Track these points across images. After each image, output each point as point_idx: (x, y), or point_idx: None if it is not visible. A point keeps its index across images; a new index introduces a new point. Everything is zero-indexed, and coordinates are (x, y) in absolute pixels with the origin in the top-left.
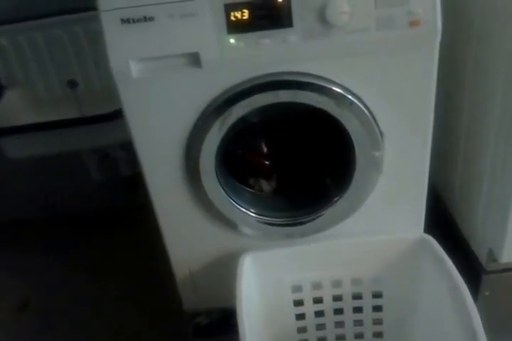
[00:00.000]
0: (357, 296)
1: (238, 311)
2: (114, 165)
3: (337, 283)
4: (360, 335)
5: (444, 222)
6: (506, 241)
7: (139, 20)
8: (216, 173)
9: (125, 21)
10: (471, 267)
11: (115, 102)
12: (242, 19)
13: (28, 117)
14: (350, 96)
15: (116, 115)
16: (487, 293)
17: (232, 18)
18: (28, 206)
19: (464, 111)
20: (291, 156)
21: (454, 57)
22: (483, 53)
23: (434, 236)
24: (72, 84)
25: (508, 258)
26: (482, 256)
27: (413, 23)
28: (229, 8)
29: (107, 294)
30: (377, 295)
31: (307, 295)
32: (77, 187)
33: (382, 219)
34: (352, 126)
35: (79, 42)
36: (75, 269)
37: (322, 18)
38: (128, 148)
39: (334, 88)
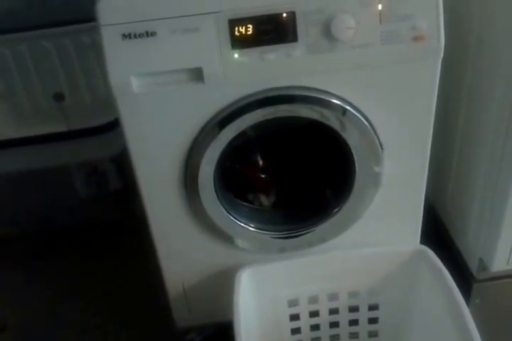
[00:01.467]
0: (353, 309)
1: (236, 327)
2: (103, 180)
3: (334, 296)
4: None
5: (435, 231)
6: (497, 251)
7: (140, 35)
8: (214, 188)
9: (126, 36)
10: (462, 276)
11: (104, 115)
12: (246, 34)
13: (12, 131)
14: (353, 111)
15: (105, 128)
16: (477, 301)
17: (237, 33)
18: (11, 222)
19: (458, 122)
20: (290, 169)
21: (450, 72)
22: (479, 69)
23: (425, 245)
24: (59, 97)
25: (497, 267)
26: (473, 265)
27: (417, 38)
28: (233, 23)
29: (92, 313)
30: (373, 307)
31: (303, 309)
32: (64, 202)
33: (379, 231)
34: (353, 140)
35: (68, 55)
36: (58, 288)
37: (327, 32)
38: (117, 161)
39: (338, 102)
